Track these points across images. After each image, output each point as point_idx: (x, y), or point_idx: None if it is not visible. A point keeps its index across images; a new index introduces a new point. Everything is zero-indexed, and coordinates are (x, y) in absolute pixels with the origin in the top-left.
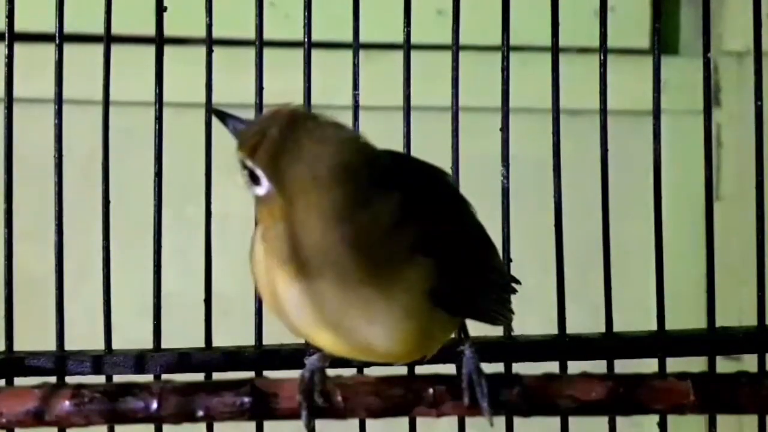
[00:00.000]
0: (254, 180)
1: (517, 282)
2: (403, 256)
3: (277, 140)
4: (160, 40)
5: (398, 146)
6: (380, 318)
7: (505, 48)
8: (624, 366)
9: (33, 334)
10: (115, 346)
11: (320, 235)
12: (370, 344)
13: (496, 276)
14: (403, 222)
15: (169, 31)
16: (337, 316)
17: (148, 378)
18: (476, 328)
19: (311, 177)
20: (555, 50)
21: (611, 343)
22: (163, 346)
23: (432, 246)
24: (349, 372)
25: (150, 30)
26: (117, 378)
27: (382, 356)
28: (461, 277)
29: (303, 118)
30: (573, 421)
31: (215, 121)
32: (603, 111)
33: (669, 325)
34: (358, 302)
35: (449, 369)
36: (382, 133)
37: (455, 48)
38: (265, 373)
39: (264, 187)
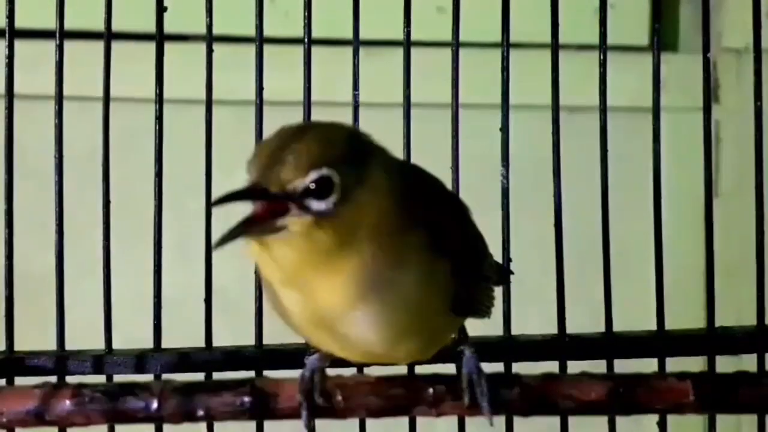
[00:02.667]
0: (320, 193)
1: (510, 272)
2: (433, 263)
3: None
4: (160, 37)
5: (398, 144)
6: (411, 327)
7: (505, 45)
8: (624, 366)
9: (33, 334)
10: (115, 345)
11: (374, 257)
12: (388, 351)
13: (491, 273)
14: (426, 229)
15: (169, 27)
16: (367, 324)
17: (148, 378)
18: (476, 328)
19: (375, 197)
20: (555, 47)
21: (611, 343)
22: (164, 345)
23: (448, 250)
24: (349, 372)
25: (150, 27)
26: (117, 378)
27: (393, 359)
28: (469, 280)
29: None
30: (573, 421)
31: (216, 118)
32: (603, 110)
33: (669, 325)
34: (394, 312)
35: (449, 369)
36: (382, 131)
37: (455, 45)
38: (266, 372)
39: (330, 202)
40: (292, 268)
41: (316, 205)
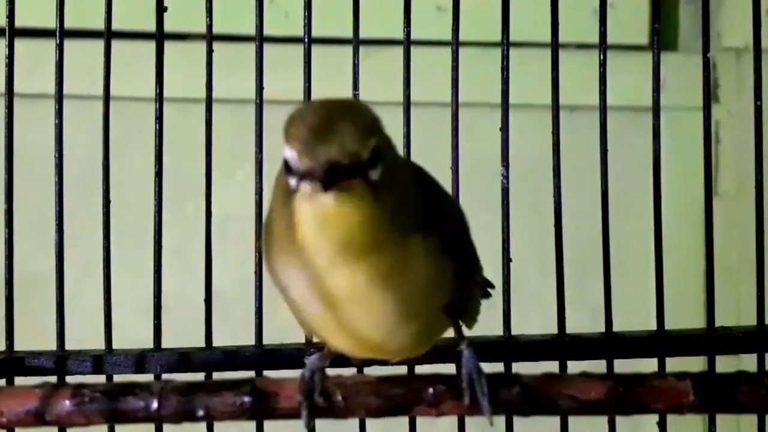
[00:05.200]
0: (374, 163)
1: (492, 286)
2: (442, 260)
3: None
4: (160, 37)
5: (398, 143)
6: (407, 321)
7: (505, 45)
8: (623, 365)
9: (33, 334)
10: (115, 345)
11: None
12: (383, 343)
13: (481, 280)
14: (431, 232)
15: (169, 27)
16: (372, 316)
17: (148, 378)
18: (476, 328)
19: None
20: (555, 47)
21: (611, 343)
22: (164, 345)
23: (453, 251)
24: (349, 372)
25: (151, 26)
26: (117, 378)
27: (384, 352)
28: (466, 283)
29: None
30: (573, 421)
31: (216, 118)
32: (603, 109)
33: (668, 325)
34: (394, 305)
35: (449, 369)
36: None
37: (455, 44)
38: (266, 372)
39: (378, 171)
40: (349, 232)
41: (373, 174)
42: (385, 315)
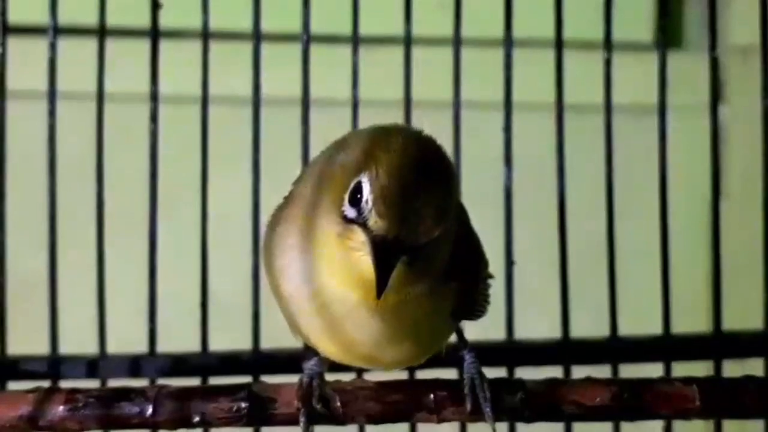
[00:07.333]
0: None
1: (490, 276)
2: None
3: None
4: (155, 33)
5: None
6: (414, 336)
7: (508, 42)
8: (629, 370)
9: (26, 338)
10: (109, 349)
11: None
12: (374, 356)
13: (487, 273)
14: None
15: (164, 23)
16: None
17: (143, 382)
18: (478, 332)
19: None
20: (559, 44)
21: (616, 347)
22: (159, 349)
23: (457, 270)
24: (348, 377)
25: (145, 22)
26: (111, 382)
27: (378, 365)
28: (471, 293)
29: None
30: (577, 427)
31: (212, 116)
32: (608, 109)
33: (674, 329)
34: (407, 322)
35: (450, 374)
36: None
37: (456, 42)
38: (263, 377)
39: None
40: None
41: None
42: (377, 332)
